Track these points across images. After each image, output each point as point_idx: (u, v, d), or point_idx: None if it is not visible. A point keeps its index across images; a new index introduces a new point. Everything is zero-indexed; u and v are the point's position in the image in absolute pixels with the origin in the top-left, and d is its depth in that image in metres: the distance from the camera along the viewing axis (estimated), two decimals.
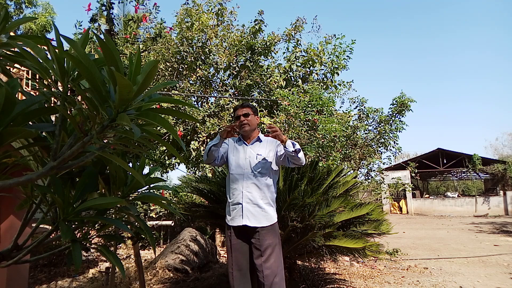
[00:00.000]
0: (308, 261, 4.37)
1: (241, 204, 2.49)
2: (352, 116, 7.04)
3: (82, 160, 0.93)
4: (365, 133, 6.93)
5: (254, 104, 7.29)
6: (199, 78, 7.66)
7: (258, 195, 2.49)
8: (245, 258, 2.52)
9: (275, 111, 6.91)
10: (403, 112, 6.81)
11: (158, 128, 1.43)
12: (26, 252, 1.00)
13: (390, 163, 7.25)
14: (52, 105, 0.97)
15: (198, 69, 7.57)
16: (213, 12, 8.19)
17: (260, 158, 2.55)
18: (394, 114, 6.86)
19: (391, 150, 6.94)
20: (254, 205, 2.48)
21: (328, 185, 3.38)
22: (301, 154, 2.42)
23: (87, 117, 0.88)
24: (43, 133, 1.06)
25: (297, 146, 2.42)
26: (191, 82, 7.79)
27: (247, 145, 2.65)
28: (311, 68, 8.14)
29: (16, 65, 0.99)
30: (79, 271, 4.91)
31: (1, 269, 3.07)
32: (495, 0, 73.77)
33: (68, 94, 0.89)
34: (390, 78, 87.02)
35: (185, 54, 7.63)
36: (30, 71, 4.89)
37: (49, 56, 0.90)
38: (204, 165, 7.27)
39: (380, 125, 6.91)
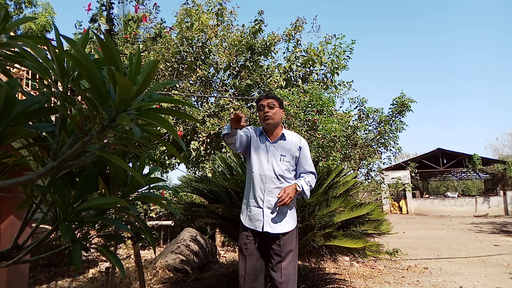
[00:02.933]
0: (308, 261, 4.37)
1: (262, 208, 2.33)
2: (352, 116, 7.06)
3: (82, 160, 0.93)
4: (365, 133, 6.94)
5: (254, 104, 7.30)
6: (199, 78, 7.66)
7: None
8: (261, 264, 2.37)
9: None
10: (403, 112, 6.83)
11: (158, 128, 1.43)
12: (26, 252, 1.00)
13: (390, 163, 7.26)
14: (52, 105, 0.97)
15: (198, 69, 7.57)
16: (213, 12, 8.20)
17: (284, 159, 2.39)
18: (394, 114, 6.88)
19: (391, 150, 6.97)
20: (276, 211, 2.33)
21: (328, 185, 3.38)
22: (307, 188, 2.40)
23: (87, 117, 0.88)
24: (43, 133, 1.06)
25: (310, 184, 2.41)
26: (191, 82, 7.79)
27: (270, 142, 2.42)
28: (311, 68, 8.14)
29: (16, 65, 0.99)
30: (79, 271, 4.90)
31: (1, 269, 3.06)
32: (495, 1, 73.84)
33: (68, 94, 0.89)
34: (390, 78, 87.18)
35: (185, 54, 7.63)
36: (30, 71, 4.89)
37: (49, 56, 0.90)
38: (204, 165, 7.27)
39: (380, 125, 6.92)
